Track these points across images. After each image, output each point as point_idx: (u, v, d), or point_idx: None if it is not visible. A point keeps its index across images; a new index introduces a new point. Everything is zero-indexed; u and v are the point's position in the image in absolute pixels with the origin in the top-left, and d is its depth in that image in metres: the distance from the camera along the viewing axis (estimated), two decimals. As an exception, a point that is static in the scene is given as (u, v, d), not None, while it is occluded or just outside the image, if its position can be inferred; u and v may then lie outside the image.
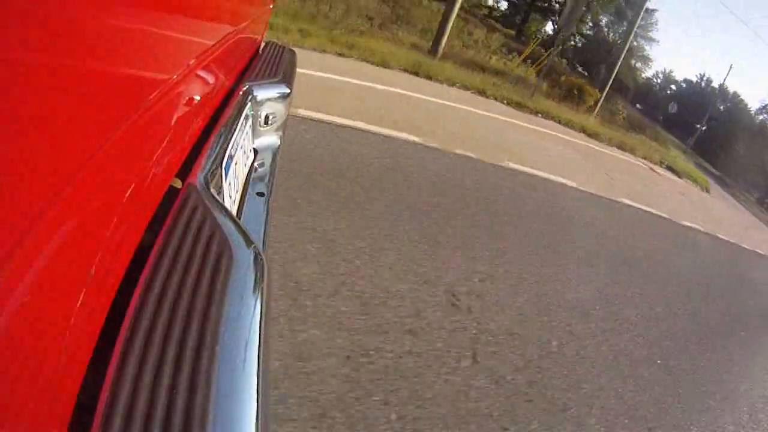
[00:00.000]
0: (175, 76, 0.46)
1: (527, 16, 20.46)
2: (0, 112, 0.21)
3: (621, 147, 8.84)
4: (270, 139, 1.06)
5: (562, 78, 12.30)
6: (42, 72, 0.24)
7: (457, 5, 9.19)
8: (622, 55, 11.94)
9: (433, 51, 8.98)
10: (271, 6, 1.29)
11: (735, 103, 29.37)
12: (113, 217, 0.35)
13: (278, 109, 1.03)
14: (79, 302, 0.30)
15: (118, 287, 0.37)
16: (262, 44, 1.26)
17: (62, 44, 0.25)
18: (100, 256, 0.33)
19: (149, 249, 0.43)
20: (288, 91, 1.03)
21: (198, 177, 0.55)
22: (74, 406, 0.31)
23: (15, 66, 0.21)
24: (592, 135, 8.52)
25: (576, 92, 10.98)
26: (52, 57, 0.24)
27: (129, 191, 0.37)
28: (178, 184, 0.55)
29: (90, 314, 0.32)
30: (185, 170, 0.56)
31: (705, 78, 29.13)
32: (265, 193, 0.95)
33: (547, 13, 20.49)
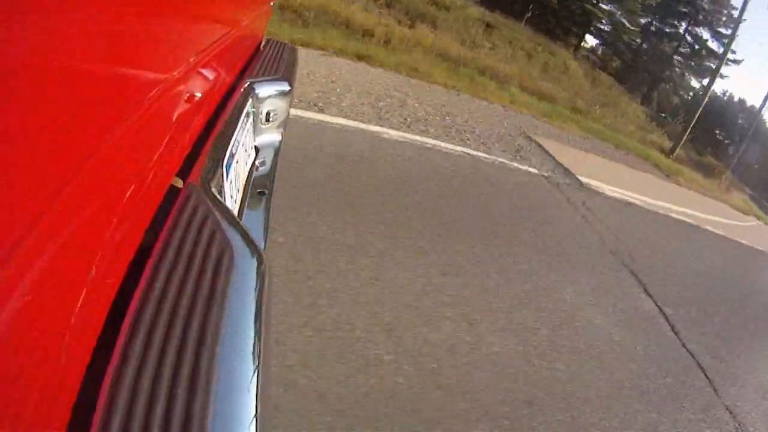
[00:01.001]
0: (175, 74, 0.46)
1: (654, 82, 21.67)
2: (0, 113, 0.21)
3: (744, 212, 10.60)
4: (271, 136, 1.06)
5: (707, 158, 16.00)
6: (42, 72, 0.23)
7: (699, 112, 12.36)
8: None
9: (671, 152, 11.89)
10: (272, 3, 1.28)
11: (752, 115, 29.82)
12: (113, 218, 0.34)
13: (279, 105, 1.03)
14: (79, 302, 0.30)
15: (118, 287, 0.37)
16: (263, 41, 1.26)
17: (62, 44, 0.25)
18: (100, 256, 0.33)
19: (150, 249, 0.43)
20: (289, 87, 1.02)
21: (199, 176, 0.55)
22: (74, 406, 0.31)
23: (15, 66, 0.21)
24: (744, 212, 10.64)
25: (714, 170, 13.89)
26: (52, 57, 0.24)
27: (129, 191, 0.37)
28: (179, 183, 0.55)
29: (90, 314, 0.32)
30: (186, 169, 0.56)
31: (728, 94, 29.08)
32: (266, 192, 0.94)
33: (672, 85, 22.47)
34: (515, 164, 4.20)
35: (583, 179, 4.57)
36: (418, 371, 1.50)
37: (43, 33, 0.23)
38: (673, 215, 5.26)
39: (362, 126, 3.45)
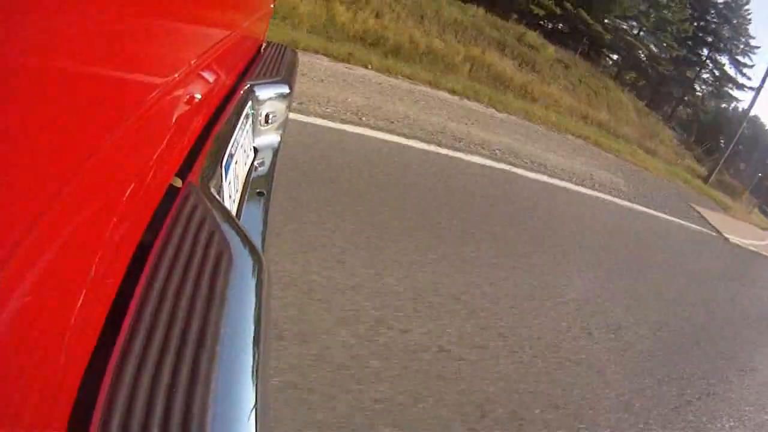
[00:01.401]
0: (176, 76, 0.46)
1: (677, 104, 25.57)
2: (0, 113, 0.21)
3: (763, 228, 12.47)
4: (270, 138, 1.06)
5: (725, 177, 17.44)
6: (42, 72, 0.24)
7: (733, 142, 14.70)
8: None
9: (707, 178, 13.64)
10: (272, 5, 1.29)
11: (753, 122, 30.97)
12: (113, 217, 0.35)
13: (279, 108, 1.03)
14: (79, 302, 0.30)
15: (118, 287, 0.37)
16: (263, 44, 1.26)
17: (63, 45, 0.25)
18: (100, 256, 0.33)
19: (149, 249, 0.43)
20: (288, 90, 1.02)
21: (198, 176, 0.55)
22: (74, 405, 0.31)
23: (15, 66, 0.21)
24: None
25: (735, 191, 15.74)
26: (52, 57, 0.24)
27: (129, 191, 0.37)
28: (178, 183, 0.55)
29: (90, 314, 0.32)
30: (185, 169, 0.56)
31: (732, 106, 30.17)
32: (265, 192, 0.95)
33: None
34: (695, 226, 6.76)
35: (725, 234, 7.07)
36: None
37: (43, 33, 0.23)
38: (749, 248, 7.49)
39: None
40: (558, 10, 16.20)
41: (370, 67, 5.57)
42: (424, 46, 7.49)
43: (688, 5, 20.55)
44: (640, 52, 20.85)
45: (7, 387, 0.23)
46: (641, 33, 20.46)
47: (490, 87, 7.82)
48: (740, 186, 16.52)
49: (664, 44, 20.92)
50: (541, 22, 17.18)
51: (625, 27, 19.67)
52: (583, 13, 16.82)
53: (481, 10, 12.53)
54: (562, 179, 4.97)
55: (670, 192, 8.35)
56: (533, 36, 13.50)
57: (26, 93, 0.22)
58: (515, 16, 15.52)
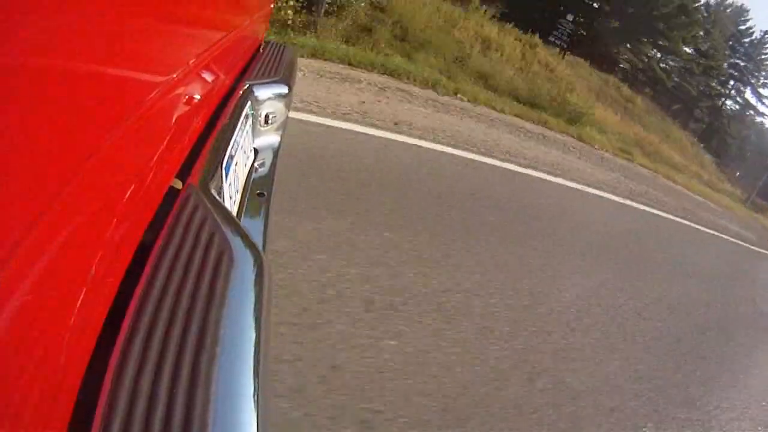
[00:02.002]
0: (175, 76, 0.46)
1: (707, 129, 29.24)
2: (0, 113, 0.21)
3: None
4: (270, 138, 1.06)
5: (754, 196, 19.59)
6: (42, 72, 0.23)
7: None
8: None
9: (748, 201, 15.96)
10: (272, 5, 1.29)
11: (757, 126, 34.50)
12: (113, 217, 0.35)
13: (278, 108, 1.03)
14: (79, 302, 0.30)
15: (118, 287, 0.37)
16: (263, 43, 1.26)
17: (63, 44, 0.25)
18: (100, 256, 0.33)
19: (149, 249, 0.43)
20: (288, 90, 1.02)
21: (198, 177, 0.55)
22: (74, 405, 0.31)
23: (15, 66, 0.21)
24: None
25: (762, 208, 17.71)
26: (52, 57, 0.24)
27: (129, 191, 0.37)
28: (178, 184, 0.55)
29: (90, 314, 0.32)
30: (185, 170, 0.56)
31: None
32: (265, 193, 0.94)
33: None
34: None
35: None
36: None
37: (43, 33, 0.23)
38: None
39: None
40: (640, 64, 20.66)
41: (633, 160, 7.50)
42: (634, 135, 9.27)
43: (726, 52, 25.05)
44: (675, 86, 24.51)
45: (7, 387, 0.23)
46: (686, 74, 24.63)
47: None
48: (765, 204, 18.78)
49: (706, 84, 25.76)
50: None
51: (675, 66, 24.26)
52: (654, 64, 21.71)
53: (586, 64, 14.50)
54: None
55: (756, 227, 10.76)
56: (625, 88, 15.51)
57: (26, 93, 0.22)
58: (620, 75, 18.45)
